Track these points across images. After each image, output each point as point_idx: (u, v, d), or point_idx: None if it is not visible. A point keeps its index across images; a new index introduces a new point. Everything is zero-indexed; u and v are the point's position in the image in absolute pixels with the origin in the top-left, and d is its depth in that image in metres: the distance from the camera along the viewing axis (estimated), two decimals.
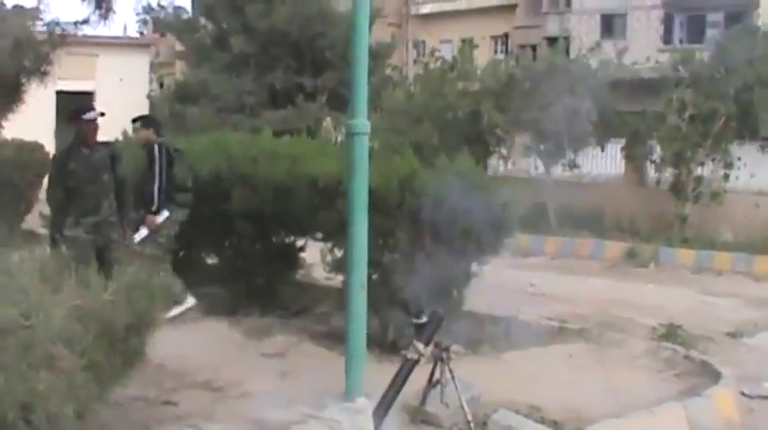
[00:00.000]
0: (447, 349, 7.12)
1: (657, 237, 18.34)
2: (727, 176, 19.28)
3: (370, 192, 7.33)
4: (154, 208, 10.40)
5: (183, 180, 10.39)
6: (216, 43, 28.01)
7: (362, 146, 7.15)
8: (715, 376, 8.70)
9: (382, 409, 6.91)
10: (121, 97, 26.54)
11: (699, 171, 19.24)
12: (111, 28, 28.05)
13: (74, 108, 9.23)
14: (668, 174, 19.58)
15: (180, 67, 35.51)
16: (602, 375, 8.79)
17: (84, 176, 9.00)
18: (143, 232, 10.38)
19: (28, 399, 4.01)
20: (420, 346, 7.07)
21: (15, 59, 6.62)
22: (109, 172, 9.16)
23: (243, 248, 11.16)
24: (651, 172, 20.43)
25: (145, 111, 27.71)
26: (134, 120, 10.96)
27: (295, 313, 10.80)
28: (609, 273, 16.16)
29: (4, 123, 19.17)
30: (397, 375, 7.06)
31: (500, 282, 12.83)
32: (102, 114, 9.12)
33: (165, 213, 10.43)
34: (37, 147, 17.48)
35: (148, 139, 10.62)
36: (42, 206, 14.45)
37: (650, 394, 8.08)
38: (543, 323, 10.72)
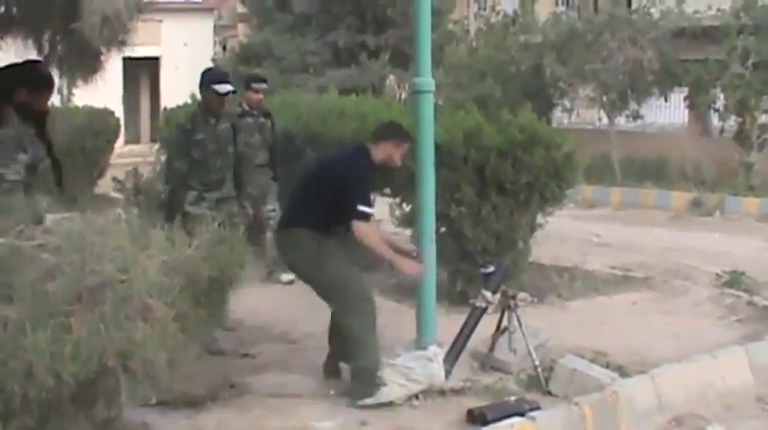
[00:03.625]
0: (514, 297, 7.32)
1: (723, 185, 18.15)
2: None
3: (437, 147, 7.53)
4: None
5: None
6: (277, 4, 28.08)
7: (428, 104, 7.32)
8: None
9: (453, 356, 7.16)
10: (187, 61, 26.89)
11: (763, 118, 18.88)
12: None
13: (206, 73, 8.57)
14: (732, 122, 19.42)
15: (242, 30, 35.67)
16: (665, 322, 8.96)
17: (212, 148, 8.34)
18: (273, 201, 10.64)
19: (126, 347, 4.32)
20: (488, 295, 7.28)
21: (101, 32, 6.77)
22: (233, 144, 8.58)
23: None
24: (715, 120, 20.27)
25: None
26: (258, 81, 10.79)
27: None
28: (674, 223, 16.15)
29: (74, 91, 19.66)
30: (465, 323, 7.29)
31: (565, 234, 13.03)
32: (234, 92, 8.54)
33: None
34: (107, 114, 17.88)
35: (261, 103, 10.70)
36: (114, 171, 14.84)
37: (713, 339, 8.22)
38: (607, 272, 10.84)
